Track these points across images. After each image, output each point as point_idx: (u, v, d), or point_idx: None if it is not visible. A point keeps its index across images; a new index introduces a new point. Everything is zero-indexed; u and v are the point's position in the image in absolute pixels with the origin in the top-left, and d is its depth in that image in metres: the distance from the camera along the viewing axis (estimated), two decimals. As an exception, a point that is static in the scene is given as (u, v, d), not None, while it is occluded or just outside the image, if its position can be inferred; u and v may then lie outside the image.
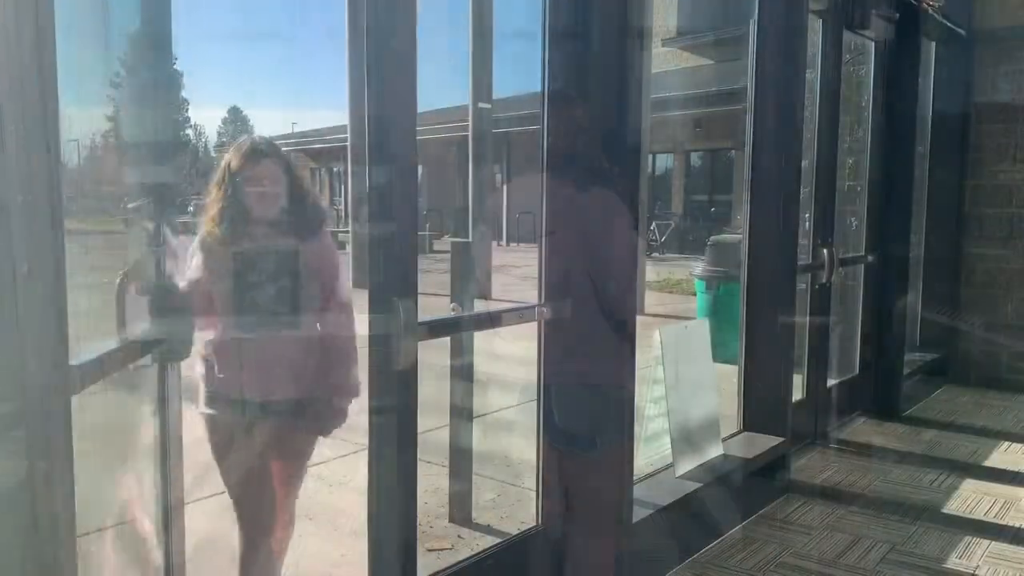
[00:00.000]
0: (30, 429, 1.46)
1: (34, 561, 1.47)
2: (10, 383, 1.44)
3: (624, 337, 2.88)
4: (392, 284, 2.22)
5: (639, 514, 3.13)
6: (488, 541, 3.39)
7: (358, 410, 2.47)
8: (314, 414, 2.48)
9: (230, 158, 2.41)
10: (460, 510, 3.74)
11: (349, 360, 2.49)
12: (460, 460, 3.79)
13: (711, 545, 3.55)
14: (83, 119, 2.00)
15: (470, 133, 6.50)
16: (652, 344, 3.70)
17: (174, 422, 2.15)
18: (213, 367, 2.40)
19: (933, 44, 6.29)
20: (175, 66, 2.27)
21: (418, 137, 2.40)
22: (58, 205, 1.49)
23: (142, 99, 2.12)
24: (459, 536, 3.57)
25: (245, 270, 2.37)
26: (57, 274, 1.48)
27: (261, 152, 2.43)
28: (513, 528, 3.49)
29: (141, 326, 2.00)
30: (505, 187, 21.00)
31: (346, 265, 2.48)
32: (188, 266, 2.41)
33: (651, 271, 12.68)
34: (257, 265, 2.39)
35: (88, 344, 1.76)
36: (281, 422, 2.44)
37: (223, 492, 2.51)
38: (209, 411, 2.43)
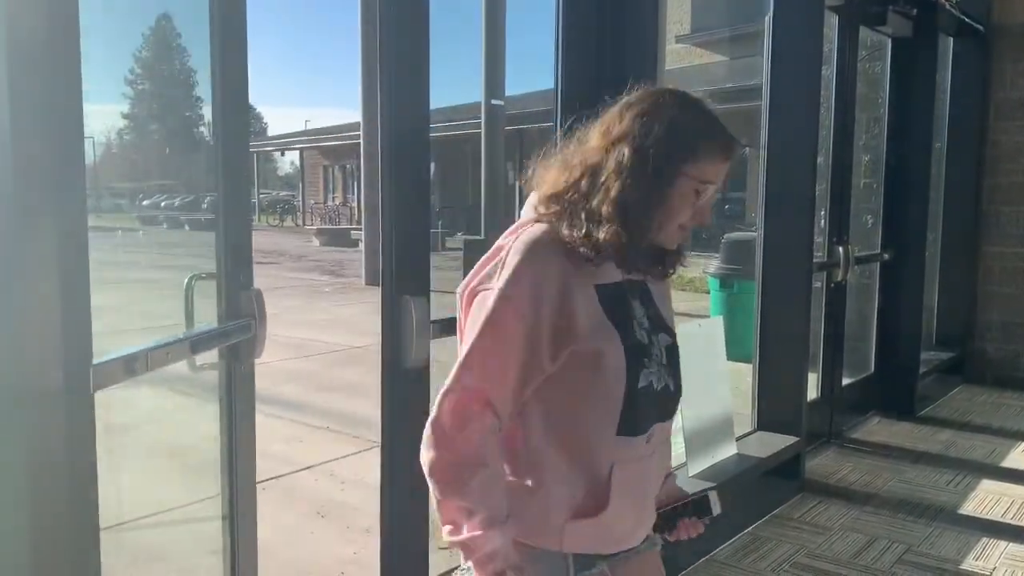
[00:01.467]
0: (53, 425, 1.47)
1: (58, 555, 1.47)
2: (31, 380, 1.44)
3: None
4: (405, 282, 2.22)
5: (652, 513, 3.11)
6: (500, 539, 3.38)
7: (371, 406, 2.43)
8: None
9: (693, 123, 1.36)
10: (472, 508, 3.73)
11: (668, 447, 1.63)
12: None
13: (724, 545, 3.53)
14: (99, 116, 2.00)
15: (483, 130, 6.48)
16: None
17: (243, 424, 1.98)
18: (573, 498, 1.42)
19: (950, 40, 6.23)
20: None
21: (431, 135, 2.40)
22: (82, 201, 1.50)
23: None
24: (471, 534, 3.56)
25: (636, 325, 1.44)
26: (80, 271, 1.48)
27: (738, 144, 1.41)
28: (525, 526, 3.48)
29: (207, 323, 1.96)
30: (517, 185, 21.00)
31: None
32: (509, 295, 1.35)
33: (664, 269, 12.63)
34: (647, 317, 1.47)
35: (112, 340, 1.76)
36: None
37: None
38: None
